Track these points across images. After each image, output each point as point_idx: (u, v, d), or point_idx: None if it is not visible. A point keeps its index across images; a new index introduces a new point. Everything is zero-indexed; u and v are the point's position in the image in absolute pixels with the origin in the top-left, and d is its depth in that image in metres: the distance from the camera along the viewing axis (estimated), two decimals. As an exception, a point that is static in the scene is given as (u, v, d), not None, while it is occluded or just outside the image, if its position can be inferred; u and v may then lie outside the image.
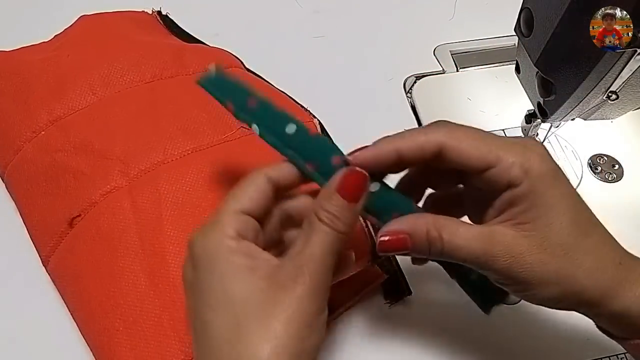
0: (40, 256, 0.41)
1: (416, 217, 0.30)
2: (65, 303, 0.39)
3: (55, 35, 0.51)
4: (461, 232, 0.29)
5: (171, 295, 0.36)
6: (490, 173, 0.28)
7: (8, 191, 0.45)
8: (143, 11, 0.55)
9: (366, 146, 0.30)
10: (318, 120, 0.48)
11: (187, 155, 0.41)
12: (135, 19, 0.53)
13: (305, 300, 0.26)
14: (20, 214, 0.43)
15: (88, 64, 0.45)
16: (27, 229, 0.42)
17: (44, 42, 0.50)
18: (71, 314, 0.39)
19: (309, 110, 0.49)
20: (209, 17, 0.59)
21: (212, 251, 0.27)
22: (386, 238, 0.29)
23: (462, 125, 0.30)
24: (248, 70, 0.52)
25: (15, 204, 0.44)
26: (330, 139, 0.48)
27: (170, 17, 0.56)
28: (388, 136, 0.30)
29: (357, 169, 0.29)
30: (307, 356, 0.26)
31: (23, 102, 0.44)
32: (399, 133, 0.30)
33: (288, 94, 0.51)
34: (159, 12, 0.56)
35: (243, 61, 0.54)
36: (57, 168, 0.41)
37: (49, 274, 0.41)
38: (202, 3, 0.61)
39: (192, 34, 0.57)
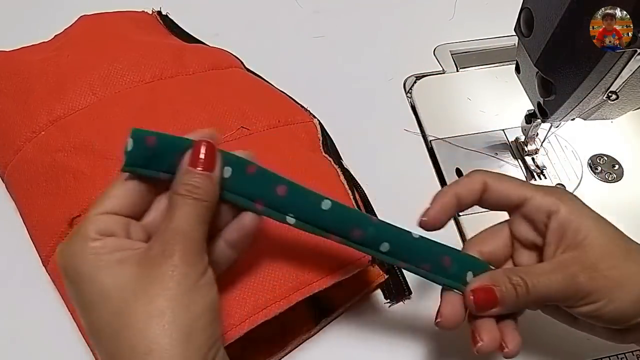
0: (40, 256, 0.41)
1: (491, 271, 0.33)
2: (66, 303, 0.39)
3: (56, 35, 0.50)
4: (538, 269, 0.32)
5: None
6: (529, 205, 0.32)
7: (8, 191, 0.45)
8: (143, 11, 0.55)
9: (429, 207, 0.34)
10: (318, 120, 0.48)
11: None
12: (135, 19, 0.53)
13: (179, 268, 0.27)
14: (20, 214, 0.43)
15: (88, 64, 0.45)
16: (27, 229, 0.42)
17: (43, 42, 0.50)
18: (72, 315, 0.39)
19: (309, 110, 0.49)
20: (209, 17, 0.59)
21: (77, 257, 0.27)
22: (472, 296, 0.32)
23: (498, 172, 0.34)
24: (248, 70, 0.52)
25: (15, 204, 0.44)
26: (330, 139, 0.48)
27: (170, 17, 0.56)
28: (442, 189, 0.34)
29: (204, 140, 0.29)
30: (198, 320, 0.27)
31: (23, 102, 0.44)
32: (451, 183, 0.34)
33: (288, 94, 0.51)
34: (159, 12, 0.56)
35: (243, 61, 0.54)
36: (57, 168, 0.41)
37: (48, 274, 0.41)
38: (202, 3, 0.61)
39: (192, 33, 0.57)
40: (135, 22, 0.52)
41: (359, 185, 0.46)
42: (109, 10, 0.52)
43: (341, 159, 0.47)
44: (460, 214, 0.46)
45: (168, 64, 0.47)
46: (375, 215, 0.44)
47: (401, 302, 0.42)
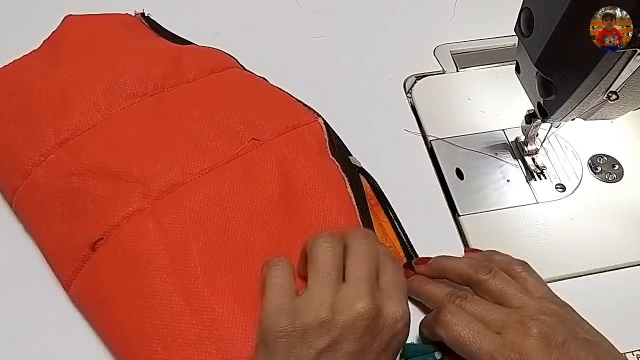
0: (60, 280, 0.41)
1: None
2: (93, 326, 0.39)
3: (45, 41, 0.49)
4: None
5: (209, 314, 0.36)
6: None
7: (18, 216, 0.44)
8: (127, 13, 0.54)
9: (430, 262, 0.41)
10: (322, 118, 0.48)
11: (205, 175, 0.41)
12: (123, 21, 0.52)
13: None
14: (34, 239, 0.43)
15: (88, 79, 0.44)
16: (44, 254, 0.42)
17: (34, 51, 0.49)
18: (101, 337, 0.39)
19: (313, 109, 0.49)
20: (209, 17, 0.59)
21: None
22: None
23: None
24: (243, 68, 0.52)
25: (27, 228, 0.43)
26: (335, 134, 0.48)
27: (152, 18, 0.55)
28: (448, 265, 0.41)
29: None
30: None
31: (26, 124, 0.43)
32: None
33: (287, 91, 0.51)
34: (142, 14, 0.55)
35: (243, 61, 0.54)
36: (73, 192, 0.41)
37: (70, 296, 0.40)
38: (202, 3, 0.61)
39: (192, 33, 0.57)
40: (124, 25, 0.52)
41: (370, 177, 0.46)
42: (93, 12, 0.51)
43: (350, 154, 0.47)
44: (460, 213, 0.46)
45: (168, 72, 0.46)
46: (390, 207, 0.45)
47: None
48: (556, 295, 0.38)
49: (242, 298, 0.37)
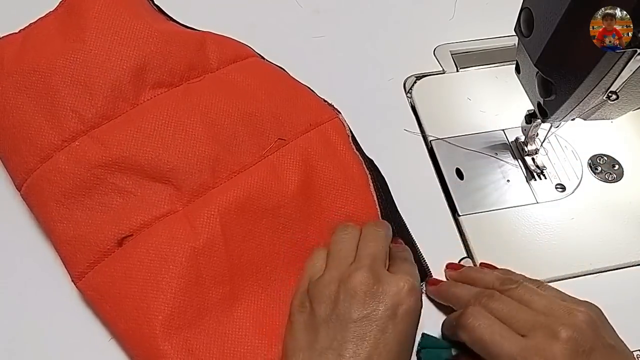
0: (71, 271, 0.40)
1: None
2: (106, 321, 0.39)
3: (61, 2, 0.47)
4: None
5: (235, 322, 0.37)
6: None
7: (26, 199, 0.43)
8: None
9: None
10: (341, 114, 0.48)
11: (235, 177, 0.42)
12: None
13: None
14: (45, 225, 0.42)
15: (114, 62, 0.43)
16: (55, 242, 0.41)
17: (50, 13, 0.47)
18: (115, 332, 0.38)
19: (332, 105, 0.49)
20: (209, 16, 0.59)
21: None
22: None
23: None
24: (264, 59, 0.52)
25: (38, 214, 0.42)
26: (355, 138, 0.48)
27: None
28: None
29: None
30: None
31: (48, 104, 0.42)
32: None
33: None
34: None
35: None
36: (99, 184, 0.40)
37: (80, 289, 0.40)
38: (202, 3, 0.60)
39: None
40: (140, 2, 0.49)
41: (379, 172, 0.46)
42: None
43: (362, 150, 0.47)
44: (460, 213, 0.46)
45: (194, 60, 0.46)
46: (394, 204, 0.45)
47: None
48: (580, 301, 0.37)
49: (267, 306, 0.38)
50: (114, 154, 0.40)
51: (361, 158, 0.46)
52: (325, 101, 0.49)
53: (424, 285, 0.42)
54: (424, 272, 0.42)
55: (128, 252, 0.39)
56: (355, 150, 0.46)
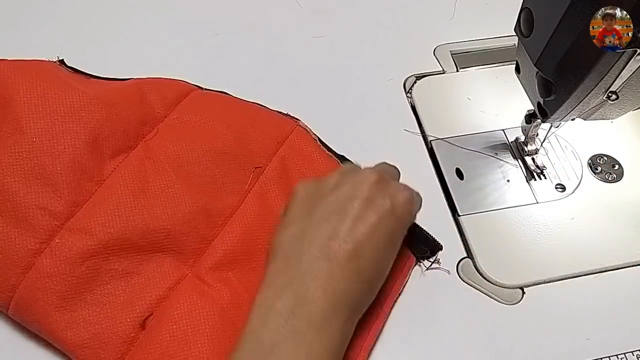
0: None
1: None
2: None
3: None
4: None
5: None
6: None
7: (18, 317, 0.38)
8: (46, 60, 0.46)
9: None
10: (300, 120, 0.48)
11: (229, 222, 0.41)
12: (54, 67, 0.46)
13: None
14: (50, 336, 0.37)
15: (62, 142, 0.39)
16: (70, 351, 0.37)
17: None
18: None
19: (287, 114, 0.49)
20: (209, 17, 0.59)
21: None
22: None
23: None
24: (202, 88, 0.50)
25: (38, 328, 0.38)
26: (323, 142, 0.48)
27: (66, 64, 0.48)
28: None
29: None
30: None
31: (10, 210, 0.38)
32: None
33: (287, 95, 0.51)
34: (61, 61, 0.48)
35: (244, 61, 0.54)
36: (96, 276, 0.37)
37: None
38: (202, 3, 0.61)
39: (192, 34, 0.57)
40: (58, 70, 0.45)
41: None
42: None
43: (332, 150, 0.48)
44: (460, 213, 0.46)
45: (141, 115, 0.43)
46: None
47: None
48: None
49: None
50: (101, 239, 0.37)
51: (335, 157, 0.46)
52: (280, 112, 0.49)
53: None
54: (435, 246, 0.43)
55: (155, 332, 0.36)
56: (326, 152, 0.47)
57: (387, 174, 0.39)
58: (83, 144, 0.40)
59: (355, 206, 0.35)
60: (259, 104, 0.49)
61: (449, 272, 0.43)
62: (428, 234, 0.43)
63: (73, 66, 0.48)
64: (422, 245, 0.43)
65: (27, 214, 0.37)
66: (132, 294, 0.38)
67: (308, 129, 0.48)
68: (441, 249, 0.43)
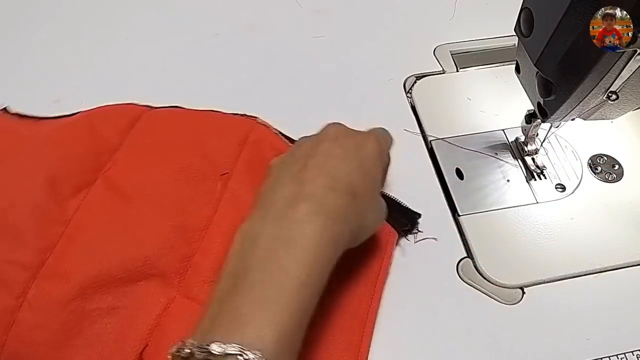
0: None
1: None
2: None
3: None
4: None
5: None
6: None
7: None
8: None
9: None
10: (260, 119, 0.48)
11: (207, 234, 0.40)
12: None
13: None
14: None
15: (19, 191, 0.39)
16: None
17: None
18: None
19: (241, 114, 0.48)
20: (209, 17, 0.59)
21: None
22: None
23: None
24: (152, 107, 0.49)
25: None
26: (285, 135, 0.47)
27: (9, 111, 0.48)
28: None
29: None
30: None
31: None
32: None
33: (286, 95, 0.51)
34: (4, 109, 0.48)
35: (244, 61, 0.54)
36: (82, 318, 0.36)
37: None
38: (202, 3, 0.61)
39: (192, 34, 0.57)
40: (4, 118, 0.45)
41: None
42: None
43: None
44: (460, 213, 0.46)
45: (94, 148, 0.42)
46: None
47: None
48: None
49: None
50: (79, 281, 0.36)
51: None
52: (235, 114, 0.48)
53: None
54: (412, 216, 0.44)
55: None
56: (290, 143, 0.46)
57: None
58: (41, 188, 0.39)
59: (326, 145, 0.37)
60: (213, 110, 0.48)
61: (436, 239, 0.43)
62: (404, 205, 0.44)
63: (17, 112, 0.47)
64: (400, 218, 0.43)
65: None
66: (123, 328, 0.36)
67: (267, 125, 0.47)
68: (419, 216, 0.44)
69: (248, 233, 0.33)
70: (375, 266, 0.41)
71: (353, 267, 0.40)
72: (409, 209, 0.44)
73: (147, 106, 0.48)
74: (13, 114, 0.47)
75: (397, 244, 0.44)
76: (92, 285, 0.36)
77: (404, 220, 0.44)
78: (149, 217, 0.40)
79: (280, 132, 0.48)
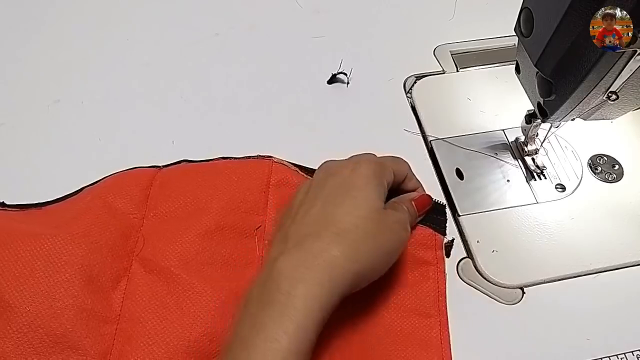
0: None
1: None
2: None
3: None
4: None
5: None
6: None
7: None
8: None
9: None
10: (276, 158, 0.46)
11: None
12: (2, 216, 0.43)
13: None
14: None
15: (60, 297, 0.36)
16: None
17: None
18: None
19: (259, 155, 0.46)
20: (209, 17, 0.59)
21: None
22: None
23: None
24: (161, 167, 0.46)
25: None
26: (302, 167, 0.46)
27: (6, 204, 0.44)
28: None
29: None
30: None
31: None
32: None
33: (286, 95, 0.51)
34: (2, 204, 0.44)
35: (244, 61, 0.54)
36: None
37: None
38: (202, 3, 0.61)
39: (192, 33, 0.57)
40: (7, 216, 0.42)
41: None
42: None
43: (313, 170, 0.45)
44: (460, 213, 0.46)
45: (122, 228, 0.40)
46: None
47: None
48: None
49: None
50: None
51: None
52: (249, 157, 0.46)
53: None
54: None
55: None
56: (308, 177, 0.45)
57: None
58: (79, 288, 0.36)
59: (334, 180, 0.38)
60: (224, 157, 0.46)
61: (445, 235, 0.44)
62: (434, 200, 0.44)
63: (15, 203, 0.43)
64: (433, 215, 0.43)
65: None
66: None
67: (283, 162, 0.46)
68: (444, 207, 0.45)
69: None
70: (429, 285, 0.39)
71: (400, 293, 0.40)
72: (436, 201, 0.44)
73: (154, 166, 0.46)
74: (13, 207, 0.43)
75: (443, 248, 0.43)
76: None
77: (435, 215, 0.43)
78: (199, 290, 0.37)
79: (296, 165, 0.46)
